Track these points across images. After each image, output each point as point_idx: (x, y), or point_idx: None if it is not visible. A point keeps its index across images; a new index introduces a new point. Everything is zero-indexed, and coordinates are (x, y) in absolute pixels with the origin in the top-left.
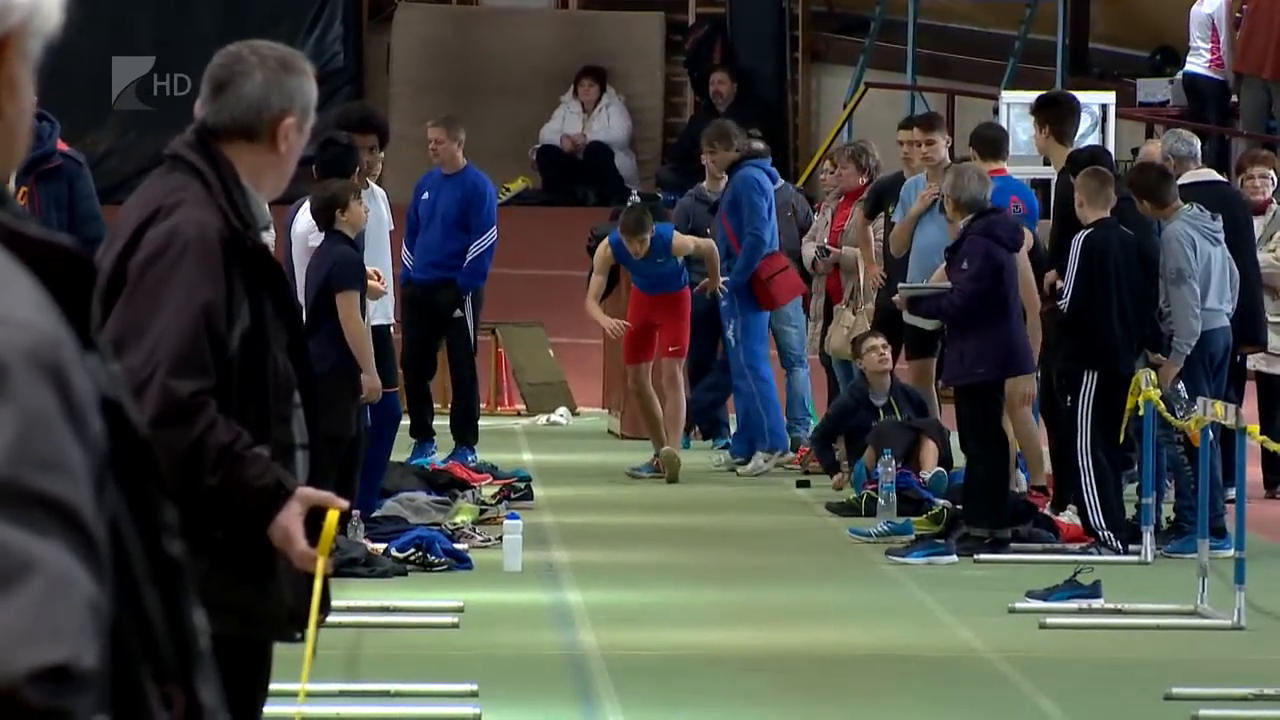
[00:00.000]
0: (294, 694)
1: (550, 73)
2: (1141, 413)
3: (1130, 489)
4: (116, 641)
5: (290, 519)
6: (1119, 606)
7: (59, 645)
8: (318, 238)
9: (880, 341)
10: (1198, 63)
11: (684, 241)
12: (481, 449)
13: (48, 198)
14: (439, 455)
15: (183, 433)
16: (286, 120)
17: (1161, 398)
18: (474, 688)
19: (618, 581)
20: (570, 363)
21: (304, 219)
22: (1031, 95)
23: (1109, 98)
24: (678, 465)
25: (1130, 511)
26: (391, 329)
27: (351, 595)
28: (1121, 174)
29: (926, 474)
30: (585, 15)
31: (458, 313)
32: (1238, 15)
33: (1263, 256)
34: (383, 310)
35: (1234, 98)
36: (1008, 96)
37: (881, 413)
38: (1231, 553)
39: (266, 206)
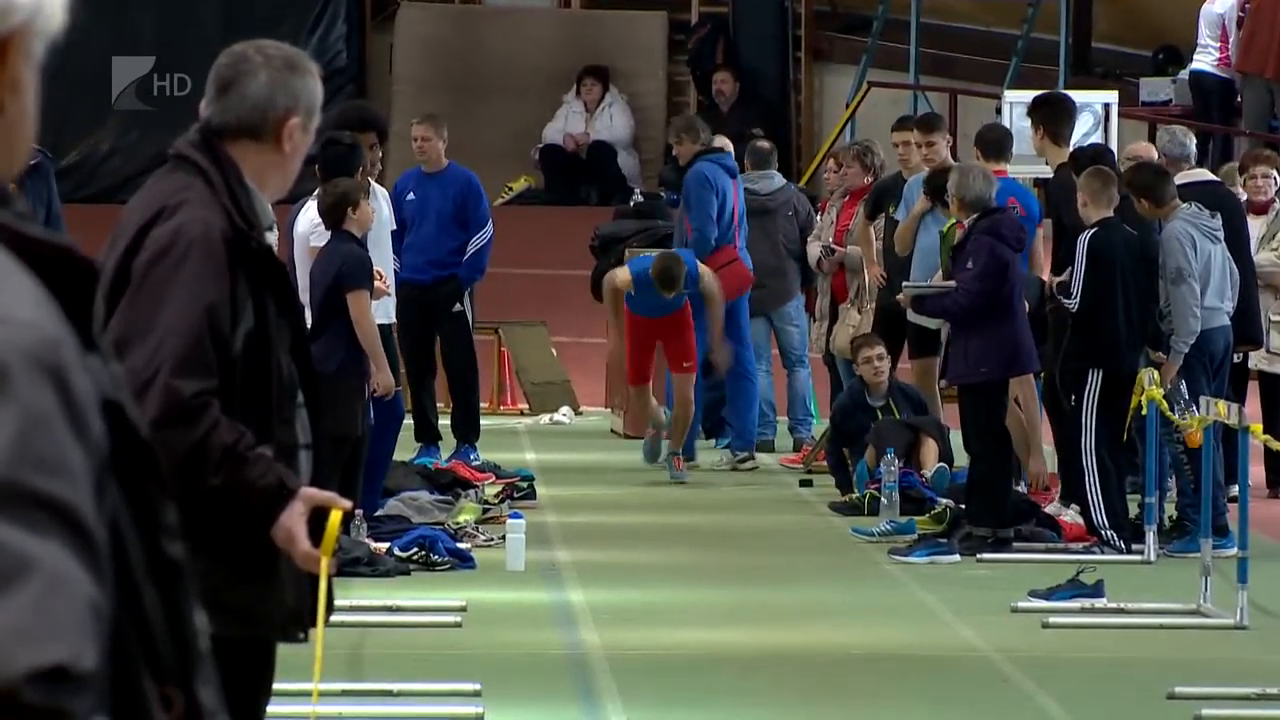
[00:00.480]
0: (299, 694)
1: (553, 72)
2: (1144, 412)
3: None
4: (116, 642)
5: (293, 519)
6: (1122, 606)
7: (58, 645)
8: (319, 238)
9: (876, 352)
10: (1205, 61)
11: (705, 273)
12: (484, 448)
13: (34, 195)
14: (441, 455)
15: (186, 433)
16: (291, 120)
17: (1164, 396)
18: (477, 687)
19: (620, 581)
20: (573, 362)
21: (305, 219)
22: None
23: (1112, 97)
24: (658, 433)
25: (1133, 511)
26: (392, 329)
27: (354, 595)
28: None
29: (928, 472)
30: (588, 14)
31: (457, 307)
32: (1240, 15)
33: (1265, 255)
34: (384, 310)
35: (1239, 98)
36: (1010, 96)
37: (879, 414)
38: (1234, 552)
39: (270, 206)
